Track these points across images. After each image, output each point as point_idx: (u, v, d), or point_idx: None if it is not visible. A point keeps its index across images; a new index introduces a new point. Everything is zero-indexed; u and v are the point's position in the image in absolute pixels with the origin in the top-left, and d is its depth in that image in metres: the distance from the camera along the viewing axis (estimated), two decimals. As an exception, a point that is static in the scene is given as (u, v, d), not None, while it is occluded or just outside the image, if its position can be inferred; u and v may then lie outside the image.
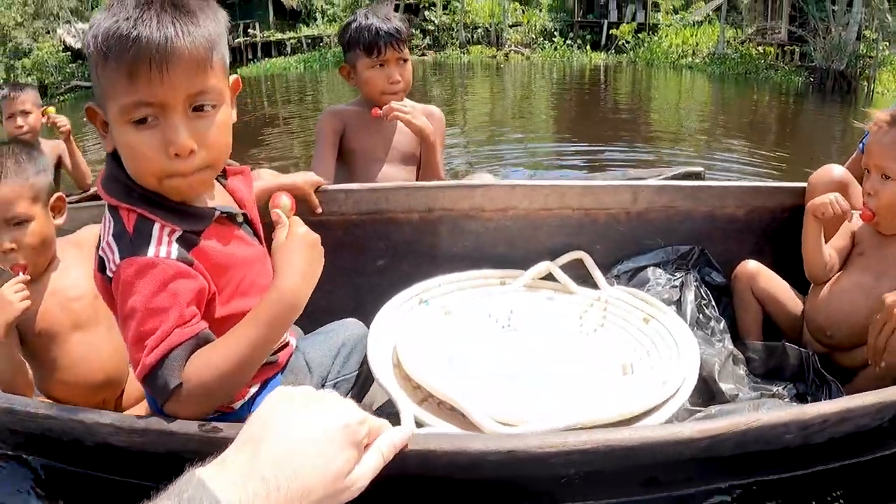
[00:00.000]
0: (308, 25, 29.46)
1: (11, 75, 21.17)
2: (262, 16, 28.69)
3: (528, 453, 1.06)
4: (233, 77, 1.18)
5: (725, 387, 1.70)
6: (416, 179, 2.55)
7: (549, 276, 2.03)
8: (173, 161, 1.05)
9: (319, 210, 2.05)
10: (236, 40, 27.35)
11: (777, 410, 1.36)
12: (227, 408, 1.24)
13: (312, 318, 1.48)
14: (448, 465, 1.07)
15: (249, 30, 27.78)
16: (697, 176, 3.42)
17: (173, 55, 1.00)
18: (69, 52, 24.03)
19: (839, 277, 1.89)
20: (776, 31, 29.86)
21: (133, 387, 1.73)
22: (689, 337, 1.67)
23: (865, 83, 24.24)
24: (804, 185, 2.20)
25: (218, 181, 1.27)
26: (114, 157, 1.12)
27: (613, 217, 2.16)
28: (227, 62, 1.13)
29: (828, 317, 1.87)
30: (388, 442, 0.90)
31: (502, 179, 2.30)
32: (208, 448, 0.79)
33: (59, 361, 1.61)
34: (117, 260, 1.07)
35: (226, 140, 1.13)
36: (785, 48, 27.76)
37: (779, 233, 2.20)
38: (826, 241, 1.92)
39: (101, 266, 1.11)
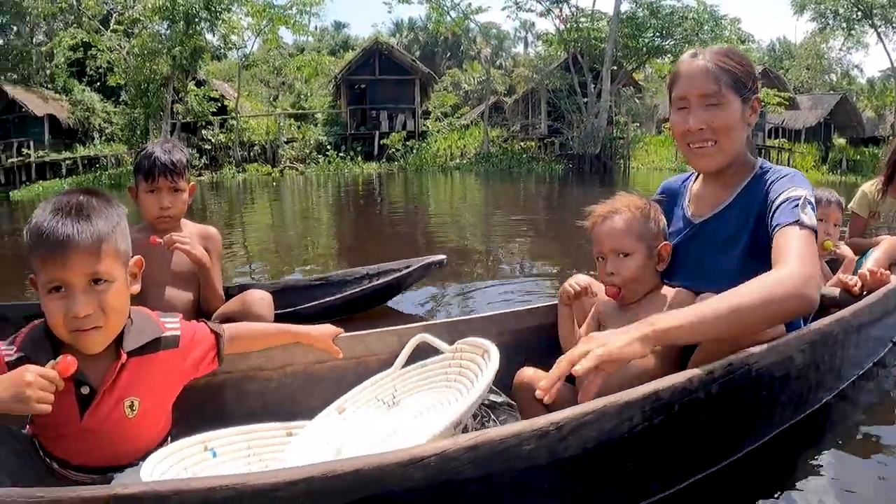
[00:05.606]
0: (85, 145, 27.98)
1: None
2: (38, 134, 26.72)
3: None
4: (134, 259, 1.62)
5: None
6: (199, 299, 2.78)
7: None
8: (73, 321, 1.47)
9: (341, 355, 2.18)
10: (9, 160, 25.09)
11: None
12: None
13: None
14: None
15: (24, 149, 25.58)
16: (440, 263, 3.76)
17: (69, 248, 1.44)
18: None
19: None
20: (536, 126, 32.88)
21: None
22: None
23: (622, 162, 27.30)
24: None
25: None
26: None
27: (384, 362, 2.23)
28: (123, 248, 1.56)
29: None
30: None
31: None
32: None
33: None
34: None
35: (117, 306, 1.54)
36: (545, 141, 30.81)
37: (547, 340, 2.42)
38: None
39: None
